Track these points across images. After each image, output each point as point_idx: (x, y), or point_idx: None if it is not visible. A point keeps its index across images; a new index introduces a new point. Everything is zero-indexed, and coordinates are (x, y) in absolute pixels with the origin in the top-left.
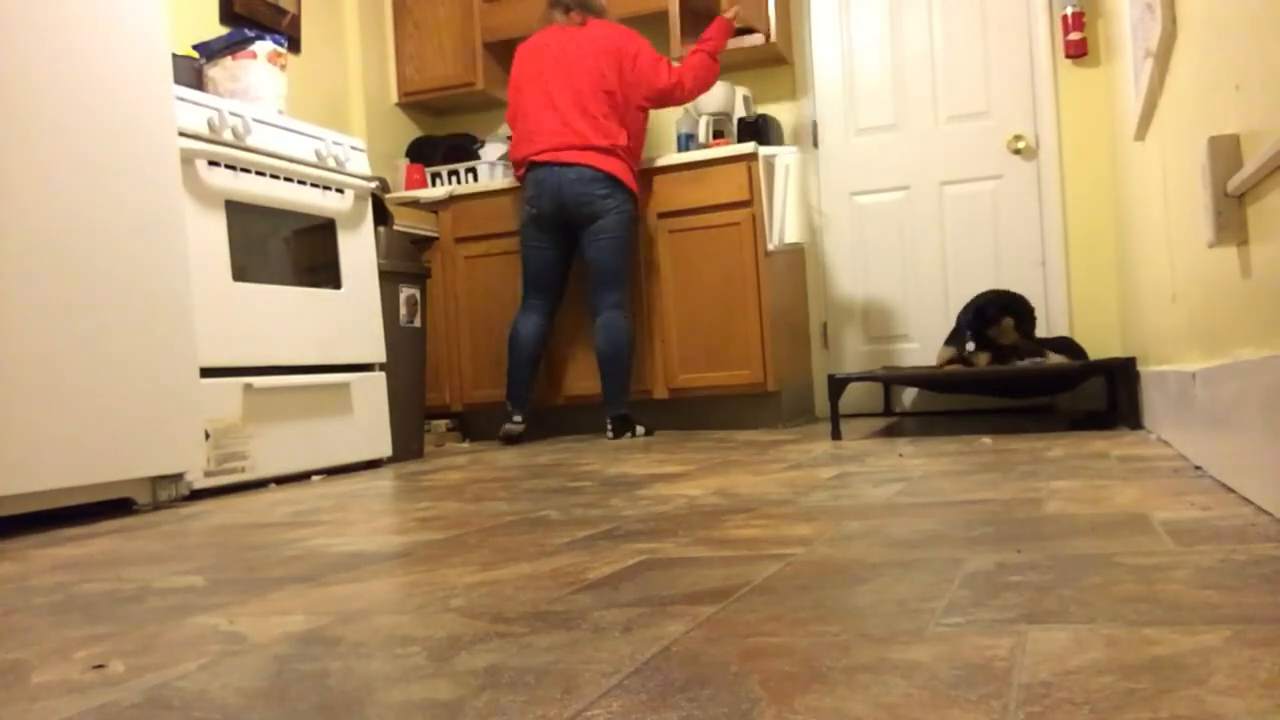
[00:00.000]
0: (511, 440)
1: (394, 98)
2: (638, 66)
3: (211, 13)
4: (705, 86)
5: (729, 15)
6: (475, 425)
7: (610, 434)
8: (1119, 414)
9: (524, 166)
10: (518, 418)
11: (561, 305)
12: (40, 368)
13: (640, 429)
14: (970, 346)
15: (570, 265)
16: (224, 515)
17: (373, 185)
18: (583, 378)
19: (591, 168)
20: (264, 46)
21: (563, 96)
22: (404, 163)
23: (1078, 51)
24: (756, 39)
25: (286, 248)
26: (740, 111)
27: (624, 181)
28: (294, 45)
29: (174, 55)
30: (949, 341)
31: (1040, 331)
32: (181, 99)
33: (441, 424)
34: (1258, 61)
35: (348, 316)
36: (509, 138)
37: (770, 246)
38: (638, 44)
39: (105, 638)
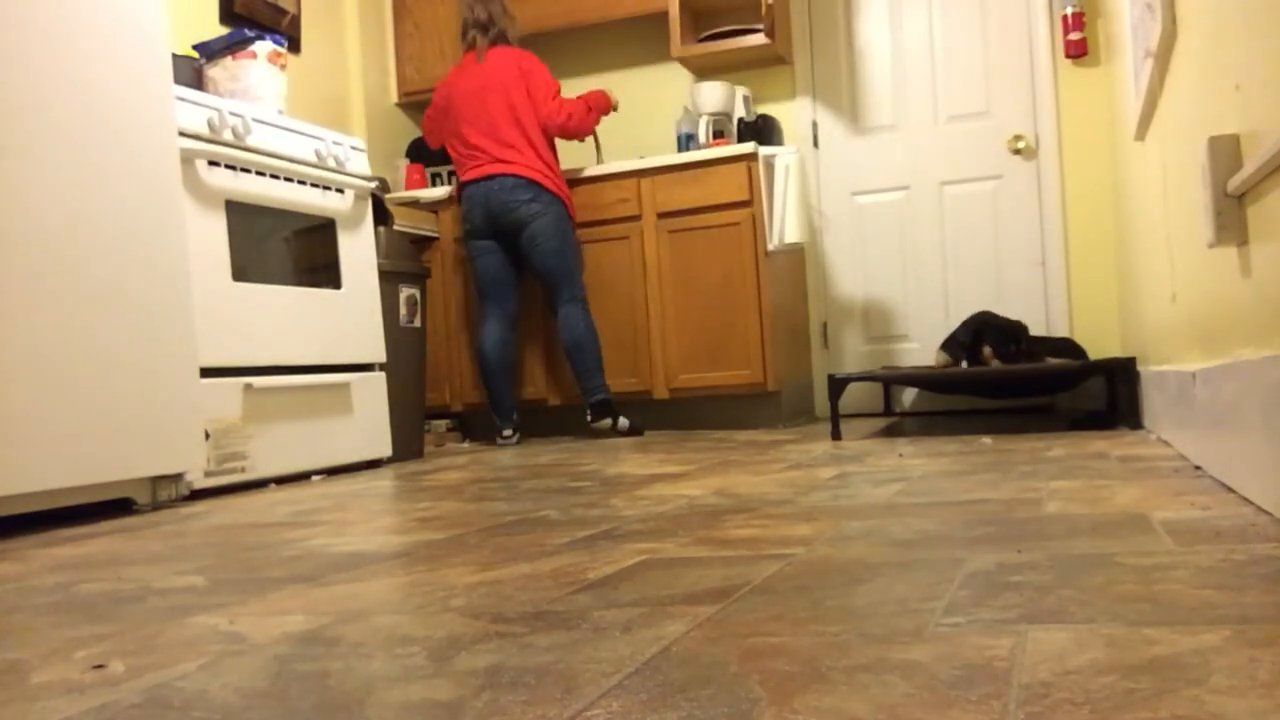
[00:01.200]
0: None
1: (394, 98)
2: (533, 90)
3: (211, 13)
4: (574, 133)
5: (611, 98)
6: (475, 425)
7: (590, 418)
8: (1119, 414)
9: (459, 189)
10: (507, 432)
11: (521, 308)
12: (40, 368)
13: (624, 421)
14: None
15: (520, 269)
16: (224, 515)
17: (373, 185)
18: None
19: (513, 175)
20: (264, 46)
21: (484, 121)
22: (404, 163)
23: (1078, 51)
24: (757, 39)
25: (286, 248)
26: (740, 111)
27: (546, 186)
28: (294, 45)
29: (174, 55)
30: (943, 347)
31: (1040, 331)
32: (181, 99)
33: (441, 424)
34: (1258, 61)
35: (348, 316)
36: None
37: (770, 246)
38: (535, 69)
39: (105, 638)
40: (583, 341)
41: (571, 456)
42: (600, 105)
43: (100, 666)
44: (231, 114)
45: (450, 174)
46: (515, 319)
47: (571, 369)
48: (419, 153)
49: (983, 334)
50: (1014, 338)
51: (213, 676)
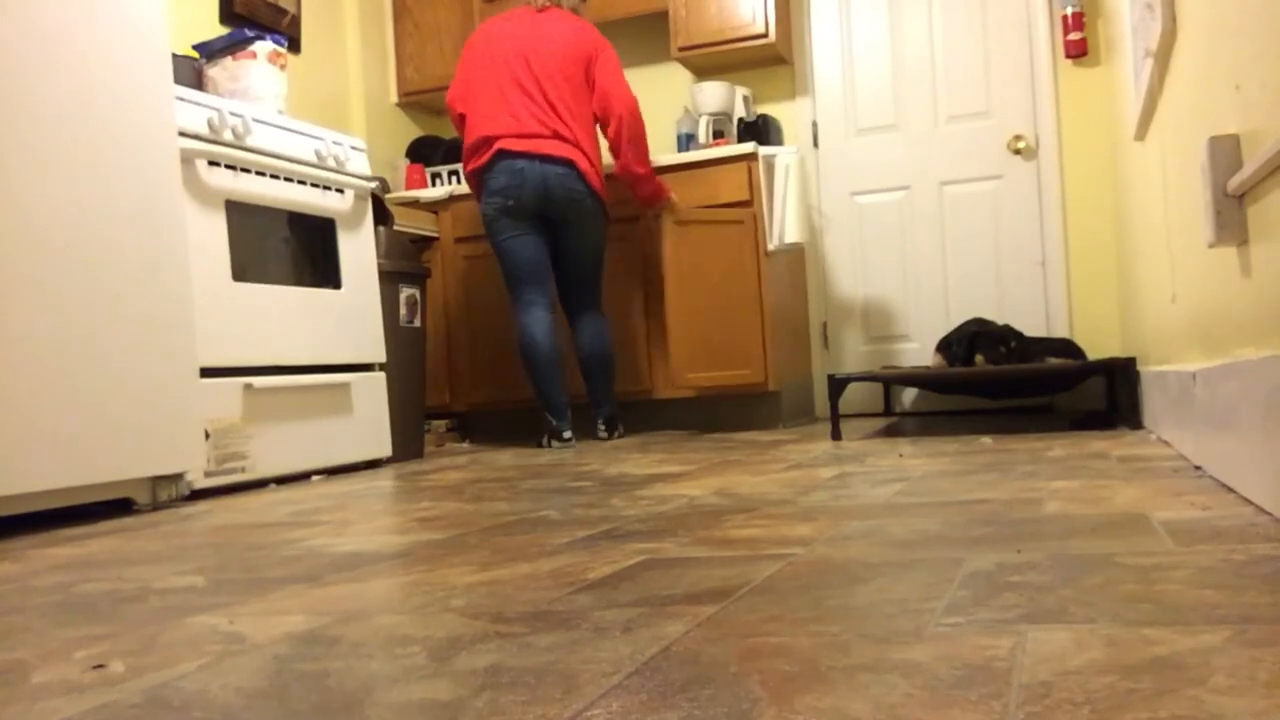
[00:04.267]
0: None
1: (394, 98)
2: (604, 75)
3: (211, 13)
4: (631, 151)
5: (663, 201)
6: (475, 425)
7: (603, 434)
8: (1119, 414)
9: (484, 153)
10: (567, 433)
11: (553, 296)
12: (40, 368)
13: (620, 427)
14: None
15: (553, 254)
16: (224, 515)
17: (373, 185)
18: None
19: (575, 165)
20: (264, 46)
21: (531, 84)
22: (404, 163)
23: (1078, 51)
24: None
25: (286, 248)
26: (740, 111)
27: (598, 182)
28: (294, 45)
29: (174, 55)
30: (939, 349)
31: (1040, 331)
32: (181, 99)
33: (441, 424)
34: (1258, 61)
35: (348, 316)
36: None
37: (770, 246)
38: (608, 52)
39: (105, 638)
40: (610, 353)
41: (571, 456)
42: (659, 186)
43: (100, 666)
44: (231, 114)
45: (451, 174)
46: (553, 308)
47: (590, 376)
48: (419, 153)
49: (975, 343)
50: (1004, 341)
51: (213, 676)
